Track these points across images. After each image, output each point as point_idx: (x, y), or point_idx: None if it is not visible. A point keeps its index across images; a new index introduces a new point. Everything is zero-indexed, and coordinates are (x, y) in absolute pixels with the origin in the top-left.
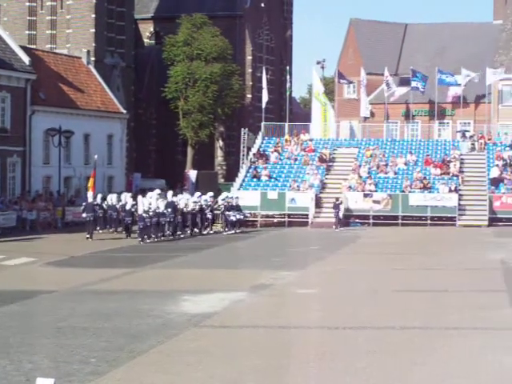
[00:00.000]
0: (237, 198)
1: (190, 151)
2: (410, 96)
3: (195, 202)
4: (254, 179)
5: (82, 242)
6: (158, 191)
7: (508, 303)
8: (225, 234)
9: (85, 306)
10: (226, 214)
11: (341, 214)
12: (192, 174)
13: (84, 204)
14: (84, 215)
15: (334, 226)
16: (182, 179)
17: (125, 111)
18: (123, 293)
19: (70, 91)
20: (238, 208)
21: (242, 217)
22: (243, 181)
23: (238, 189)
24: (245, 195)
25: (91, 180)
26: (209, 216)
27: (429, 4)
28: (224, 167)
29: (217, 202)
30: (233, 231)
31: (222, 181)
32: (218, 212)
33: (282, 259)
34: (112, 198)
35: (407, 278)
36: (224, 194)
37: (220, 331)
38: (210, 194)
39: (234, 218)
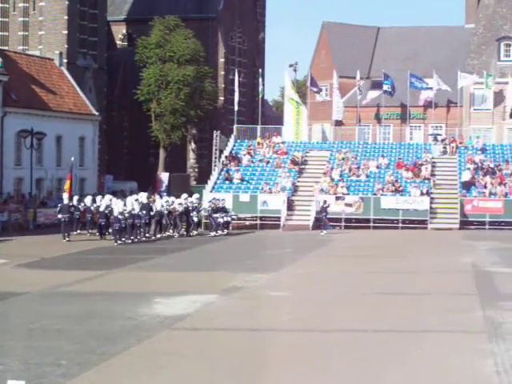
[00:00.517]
0: (223, 200)
1: (162, 153)
2: (382, 99)
3: (180, 204)
4: (226, 182)
5: (54, 244)
6: (135, 196)
7: (479, 306)
8: (211, 235)
9: (57, 308)
10: (214, 216)
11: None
12: (164, 176)
13: (60, 205)
14: (60, 216)
15: (320, 230)
16: (154, 181)
17: (97, 113)
18: (95, 295)
19: (42, 93)
20: (224, 210)
21: (229, 219)
22: (215, 183)
23: (211, 191)
24: (211, 197)
25: (68, 182)
26: (195, 218)
27: (401, 8)
28: (196, 170)
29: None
30: (220, 233)
31: (194, 183)
32: (205, 214)
33: (254, 262)
34: (87, 200)
35: (379, 281)
36: (195, 196)
37: (192, 333)
38: (196, 195)
39: (221, 220)
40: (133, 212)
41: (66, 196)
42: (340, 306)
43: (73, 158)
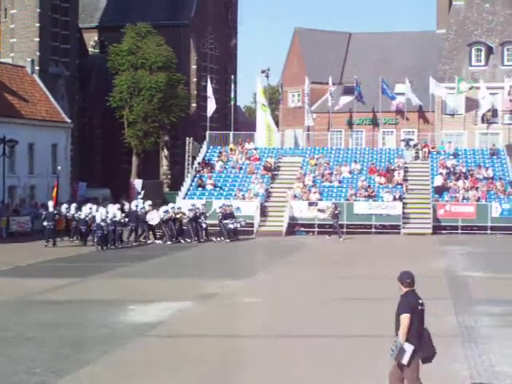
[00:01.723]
0: (231, 205)
1: (134, 160)
2: (354, 105)
3: (190, 210)
4: (199, 188)
5: (29, 252)
6: (118, 206)
7: (452, 311)
8: (218, 241)
9: (30, 316)
10: (224, 222)
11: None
12: (137, 183)
13: (44, 213)
14: (45, 224)
15: (338, 236)
16: (127, 188)
17: (69, 120)
18: (69, 303)
19: (14, 100)
20: (232, 216)
21: (238, 225)
22: (188, 190)
23: (183, 198)
24: (189, 204)
25: (54, 190)
26: (203, 224)
27: (372, 13)
28: (169, 176)
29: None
30: (228, 240)
31: (167, 190)
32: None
33: (227, 268)
34: (72, 208)
35: (352, 287)
36: (170, 205)
37: (166, 341)
38: (202, 202)
39: (232, 226)
40: (114, 219)
41: (51, 204)
42: (313, 311)
43: (60, 167)
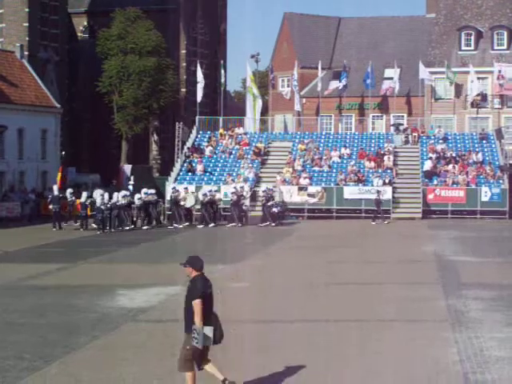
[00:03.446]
0: (271, 189)
1: (124, 145)
2: (344, 90)
3: (233, 193)
4: (189, 173)
5: (18, 237)
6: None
7: (442, 295)
8: (262, 225)
9: (19, 302)
10: (267, 205)
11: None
12: (126, 168)
13: (50, 196)
14: (51, 207)
15: (375, 221)
16: (117, 173)
17: (59, 106)
18: (59, 288)
19: (4, 86)
20: (273, 199)
21: (281, 209)
22: (178, 175)
23: (173, 183)
24: (179, 189)
25: (59, 174)
26: (244, 207)
27: None
28: (159, 161)
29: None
30: (274, 224)
31: (156, 175)
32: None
33: (216, 253)
34: (67, 193)
35: (342, 271)
36: (208, 187)
37: (156, 325)
38: (245, 185)
39: (275, 210)
40: (118, 203)
41: (56, 188)
42: (302, 296)
43: (63, 152)
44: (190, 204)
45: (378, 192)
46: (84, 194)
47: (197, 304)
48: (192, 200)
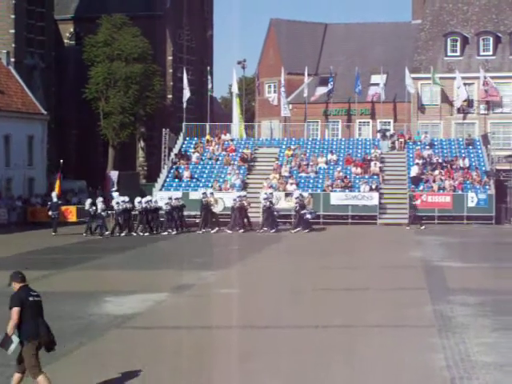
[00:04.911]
0: (305, 196)
1: (111, 152)
2: (330, 96)
3: (265, 199)
4: (176, 180)
5: (5, 244)
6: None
7: (429, 300)
8: (293, 232)
9: (5, 309)
10: (301, 212)
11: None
12: (113, 174)
13: (49, 203)
14: (50, 213)
15: (408, 227)
16: (104, 180)
17: (45, 112)
18: (44, 295)
19: None
20: (305, 206)
21: (314, 215)
22: (165, 181)
23: (160, 189)
24: (166, 196)
25: (57, 181)
26: (275, 213)
27: (348, 4)
28: (145, 168)
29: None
30: (307, 230)
31: (143, 181)
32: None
33: (204, 259)
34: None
35: (329, 277)
36: (238, 193)
37: (142, 332)
38: (271, 191)
39: (309, 216)
40: (123, 208)
41: (54, 194)
42: (290, 302)
43: (62, 161)
44: (220, 209)
45: (410, 198)
46: (88, 201)
47: (13, 312)
48: (222, 205)
